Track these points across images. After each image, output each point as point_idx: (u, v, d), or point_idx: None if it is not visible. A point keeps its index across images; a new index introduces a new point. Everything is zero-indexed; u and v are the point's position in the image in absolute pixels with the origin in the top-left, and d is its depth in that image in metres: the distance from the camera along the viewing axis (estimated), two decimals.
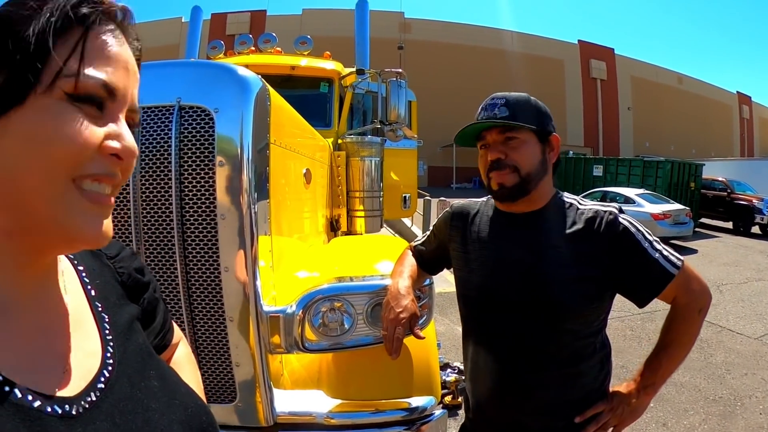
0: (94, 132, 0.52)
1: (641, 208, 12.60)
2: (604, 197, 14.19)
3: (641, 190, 14.19)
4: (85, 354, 0.60)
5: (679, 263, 1.32)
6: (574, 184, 19.24)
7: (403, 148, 5.01)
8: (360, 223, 3.92)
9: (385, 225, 6.92)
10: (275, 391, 1.67)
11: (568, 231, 1.35)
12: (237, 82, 1.59)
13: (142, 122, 1.55)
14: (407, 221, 9.53)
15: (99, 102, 0.53)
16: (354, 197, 3.87)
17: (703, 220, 17.18)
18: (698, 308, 1.36)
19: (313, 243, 2.73)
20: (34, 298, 0.57)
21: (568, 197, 1.45)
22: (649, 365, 1.41)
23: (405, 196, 5.14)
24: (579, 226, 1.34)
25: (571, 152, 24.44)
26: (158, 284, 1.47)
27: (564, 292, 1.31)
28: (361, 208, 3.89)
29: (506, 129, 1.35)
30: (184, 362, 0.90)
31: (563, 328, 1.34)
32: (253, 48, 4.62)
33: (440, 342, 4.57)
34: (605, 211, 1.35)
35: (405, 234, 11.00)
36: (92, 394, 0.56)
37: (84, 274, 0.69)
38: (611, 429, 1.42)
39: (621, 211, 1.37)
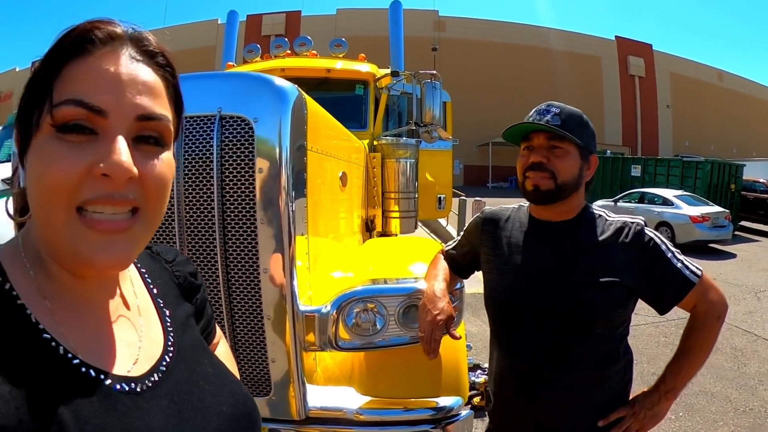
0: (74, 160, 0.54)
1: (679, 210, 12.31)
2: (642, 198, 13.89)
3: (680, 192, 13.80)
4: (150, 341, 0.68)
5: (699, 273, 1.40)
6: (611, 185, 18.79)
7: (438, 149, 5.03)
8: (395, 224, 3.96)
9: (420, 225, 6.94)
10: (308, 386, 1.75)
11: (598, 240, 1.42)
12: (275, 92, 1.67)
13: (185, 131, 1.64)
14: (443, 221, 9.52)
15: (84, 126, 0.55)
16: (389, 198, 3.91)
17: (743, 223, 16.50)
18: (716, 316, 1.42)
19: (349, 243, 2.81)
20: (102, 297, 0.65)
21: (597, 209, 1.52)
22: (670, 370, 1.47)
23: (440, 197, 5.15)
24: (608, 235, 1.42)
25: (608, 152, 23.81)
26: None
27: (593, 296, 1.37)
28: (396, 208, 3.93)
29: (554, 137, 1.42)
30: (224, 359, 0.97)
31: (591, 331, 1.40)
32: (288, 51, 4.68)
33: (470, 344, 4.56)
34: (633, 223, 1.43)
35: (440, 233, 10.98)
36: (155, 375, 0.64)
37: (146, 275, 0.77)
38: None
39: (645, 224, 1.44)
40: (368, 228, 3.70)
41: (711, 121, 43.30)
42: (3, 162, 5.69)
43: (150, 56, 0.62)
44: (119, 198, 0.56)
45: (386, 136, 4.07)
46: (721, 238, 12.27)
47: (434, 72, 3.94)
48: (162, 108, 0.61)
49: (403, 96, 4.65)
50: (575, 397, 1.42)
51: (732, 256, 11.77)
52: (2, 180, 4.52)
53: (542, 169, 1.42)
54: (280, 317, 1.66)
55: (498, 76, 36.93)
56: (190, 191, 1.65)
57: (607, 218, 1.47)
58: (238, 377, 0.98)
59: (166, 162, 0.62)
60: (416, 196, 4.07)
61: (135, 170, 0.56)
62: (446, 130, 5.04)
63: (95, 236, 0.55)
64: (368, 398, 1.77)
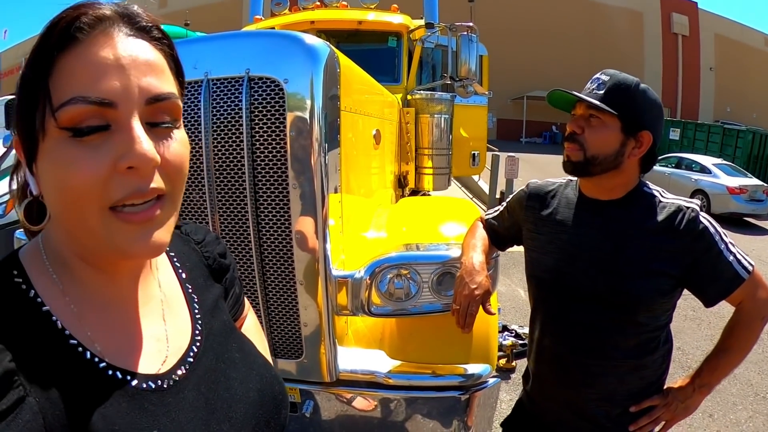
0: (96, 161, 0.51)
1: (717, 180, 11.92)
2: (679, 164, 13.47)
3: (718, 160, 13.31)
4: (177, 332, 0.68)
5: (750, 268, 1.32)
6: None
7: (473, 104, 4.89)
8: (428, 180, 3.93)
9: (453, 181, 6.86)
10: (339, 348, 1.76)
11: (649, 224, 1.34)
12: (305, 51, 1.59)
13: (213, 95, 1.60)
14: (475, 177, 9.39)
15: (97, 125, 0.52)
16: (422, 154, 3.87)
17: None
18: (762, 316, 1.36)
19: (381, 201, 2.78)
20: (128, 293, 0.64)
21: (650, 188, 1.42)
22: (707, 365, 1.42)
23: (474, 153, 5.04)
24: (660, 219, 1.33)
25: None
26: (234, 257, 1.58)
27: (639, 284, 1.32)
28: (430, 165, 3.89)
29: (591, 106, 1.34)
30: (252, 331, 0.98)
31: (633, 319, 1.36)
32: (318, 3, 4.51)
33: (500, 307, 4.54)
34: (688, 207, 1.33)
35: (473, 189, 10.90)
36: (182, 367, 0.64)
37: (175, 259, 0.76)
38: (662, 423, 1.45)
39: (701, 208, 1.35)
40: (401, 184, 3.67)
41: (755, 88, 40.51)
42: None
43: (145, 31, 0.58)
44: (147, 191, 0.54)
45: (420, 90, 3.97)
46: (757, 212, 11.74)
47: (471, 24, 3.78)
48: (169, 85, 0.58)
49: (438, 48, 4.49)
50: (612, 384, 1.40)
51: (766, 232, 11.24)
52: None
53: (574, 140, 1.36)
54: (312, 282, 1.65)
55: (535, 28, 35.18)
56: (220, 156, 1.62)
57: (661, 199, 1.38)
58: (267, 346, 0.99)
59: (180, 141, 0.60)
60: (450, 152, 4.00)
61: (158, 157, 0.54)
62: (482, 84, 4.88)
63: (131, 228, 0.54)
64: (398, 362, 1.78)
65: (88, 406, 0.52)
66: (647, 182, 1.44)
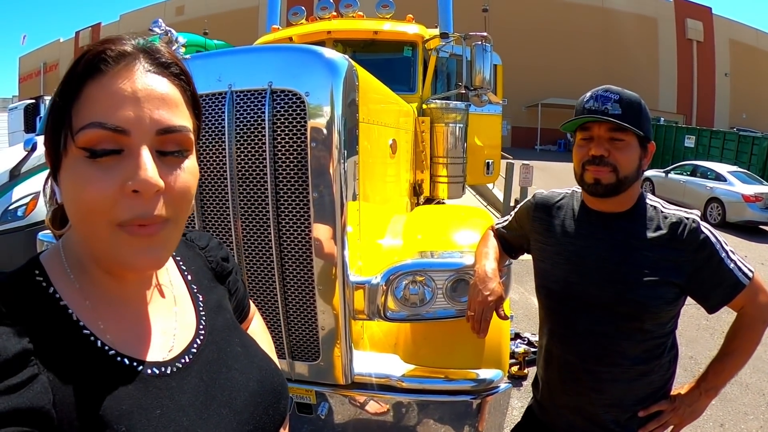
0: (106, 182, 0.57)
1: (732, 187, 11.76)
2: (694, 171, 13.34)
3: (734, 168, 13.14)
4: (183, 327, 0.75)
5: (750, 274, 1.37)
6: (663, 154, 18.27)
7: (488, 113, 4.93)
8: (442, 189, 3.97)
9: (468, 189, 6.89)
10: (354, 352, 1.81)
11: (652, 235, 1.39)
12: (326, 65, 1.66)
13: (237, 106, 1.68)
14: (489, 184, 9.40)
15: (110, 149, 0.57)
16: (437, 163, 3.91)
17: None
18: (763, 319, 1.41)
19: (397, 209, 2.84)
20: (138, 293, 0.71)
21: (651, 200, 1.47)
22: (712, 369, 1.46)
23: (488, 162, 5.08)
24: (663, 231, 1.39)
25: (662, 119, 23.11)
26: (255, 262, 1.63)
27: (646, 294, 1.36)
28: (444, 173, 3.93)
29: (616, 128, 1.37)
30: (258, 332, 1.05)
31: (640, 327, 1.40)
32: (334, 13, 4.59)
33: (513, 315, 4.55)
34: (688, 218, 1.38)
35: (488, 197, 10.87)
36: (186, 357, 0.70)
37: (181, 263, 0.83)
38: (671, 428, 1.48)
39: (701, 218, 1.40)
40: (416, 192, 3.71)
41: None
42: None
43: (164, 67, 0.64)
44: (150, 218, 0.59)
45: (435, 99, 4.01)
46: None
47: (485, 34, 3.82)
48: (181, 118, 0.64)
49: (453, 58, 4.54)
50: (620, 390, 1.44)
51: None
52: None
53: (604, 163, 1.37)
54: (330, 287, 1.71)
55: (549, 35, 34.89)
56: (242, 164, 1.69)
57: (662, 210, 1.43)
58: (272, 346, 1.06)
59: (189, 170, 0.65)
60: (465, 160, 4.03)
61: (161, 183, 0.59)
62: (496, 93, 4.92)
63: (135, 242, 0.60)
64: (412, 366, 1.82)
65: (98, 388, 0.58)
66: (647, 194, 1.49)
